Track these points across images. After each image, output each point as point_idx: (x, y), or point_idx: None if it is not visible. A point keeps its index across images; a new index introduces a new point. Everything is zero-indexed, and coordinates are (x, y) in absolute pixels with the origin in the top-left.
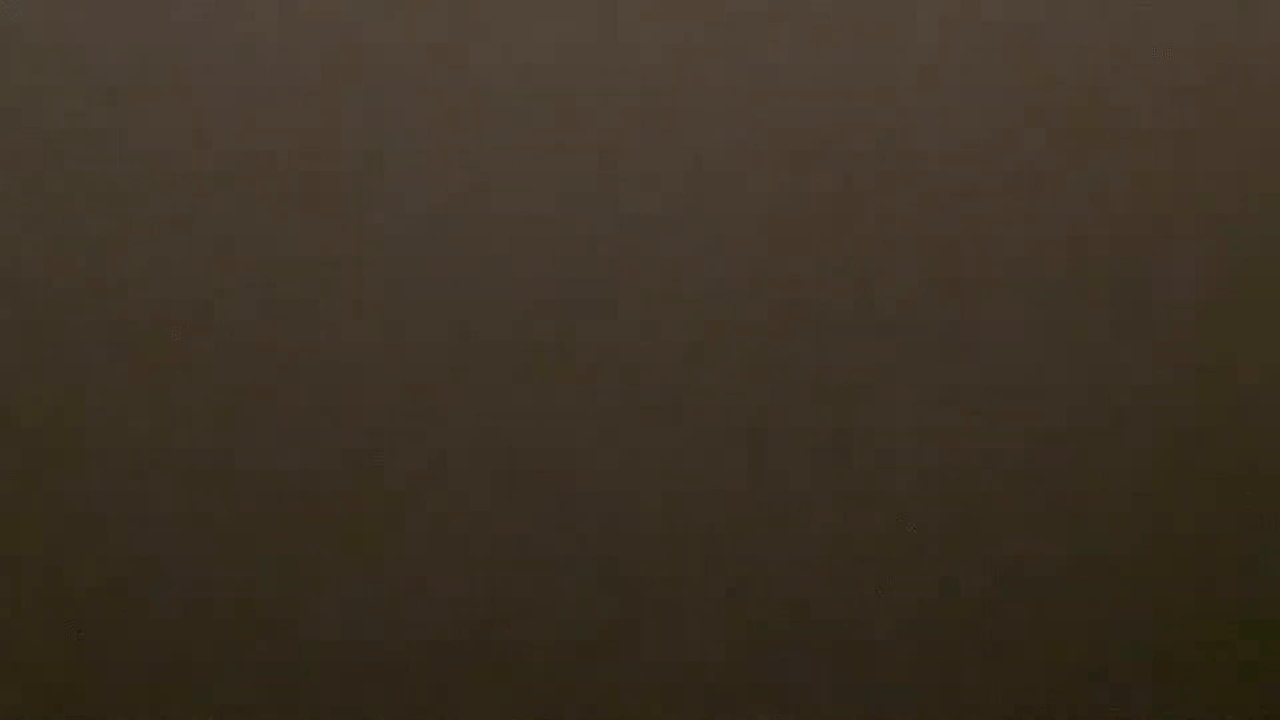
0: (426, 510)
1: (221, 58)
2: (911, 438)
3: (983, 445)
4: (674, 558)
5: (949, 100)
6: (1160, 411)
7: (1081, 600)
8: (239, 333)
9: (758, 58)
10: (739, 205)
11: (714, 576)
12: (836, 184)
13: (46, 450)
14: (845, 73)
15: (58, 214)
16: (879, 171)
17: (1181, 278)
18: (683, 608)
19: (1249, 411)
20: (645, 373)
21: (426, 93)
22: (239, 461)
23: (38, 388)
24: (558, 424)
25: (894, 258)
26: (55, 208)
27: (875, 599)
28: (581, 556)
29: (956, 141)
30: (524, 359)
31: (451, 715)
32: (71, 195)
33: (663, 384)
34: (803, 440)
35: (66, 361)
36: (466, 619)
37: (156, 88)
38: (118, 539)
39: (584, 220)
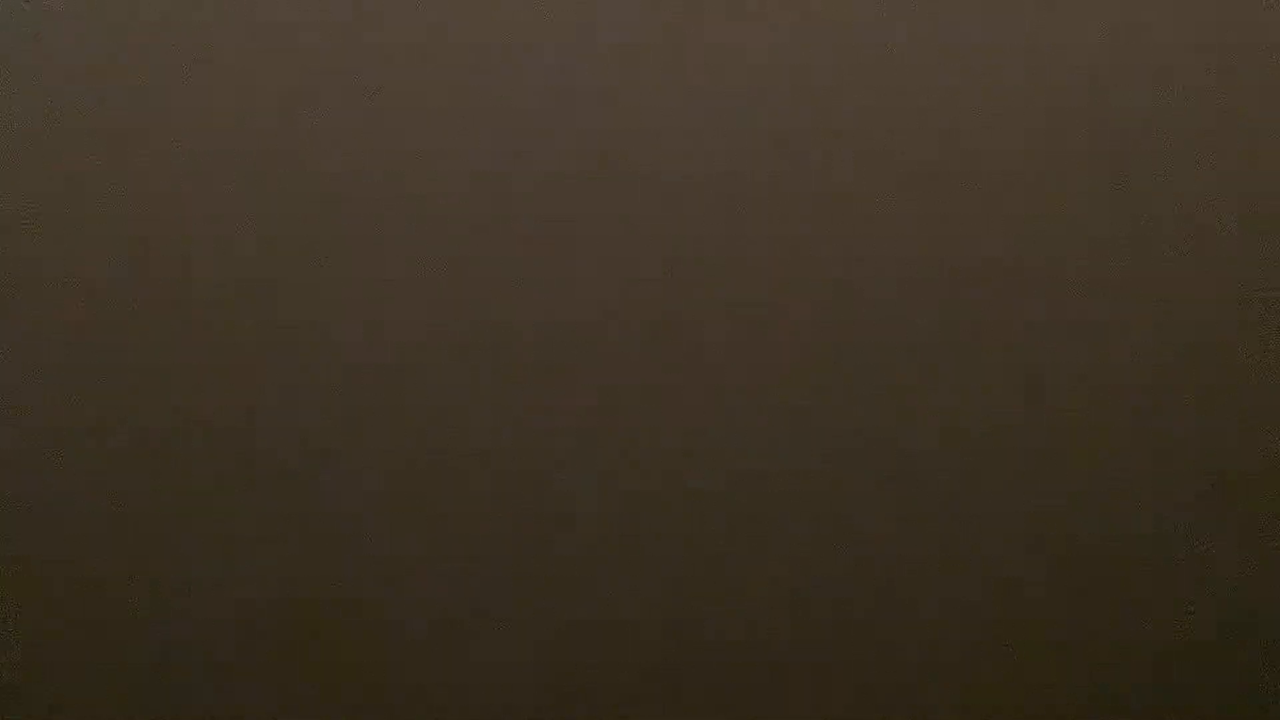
0: (428, 513)
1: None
2: (917, 434)
3: (987, 443)
4: (675, 556)
5: (951, 97)
6: (1163, 411)
7: (1082, 600)
8: (243, 331)
9: (752, 53)
10: (744, 198)
11: (717, 574)
12: (846, 179)
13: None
14: (853, 69)
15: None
16: (880, 167)
17: (1183, 276)
18: (688, 605)
19: (1249, 411)
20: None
21: (425, 89)
22: (245, 460)
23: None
24: (555, 425)
25: (896, 256)
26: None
27: (881, 596)
28: (579, 554)
29: (958, 136)
30: (522, 358)
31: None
32: (76, 190)
33: (665, 381)
34: (806, 438)
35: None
36: (469, 620)
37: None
38: (120, 539)
39: (580, 216)
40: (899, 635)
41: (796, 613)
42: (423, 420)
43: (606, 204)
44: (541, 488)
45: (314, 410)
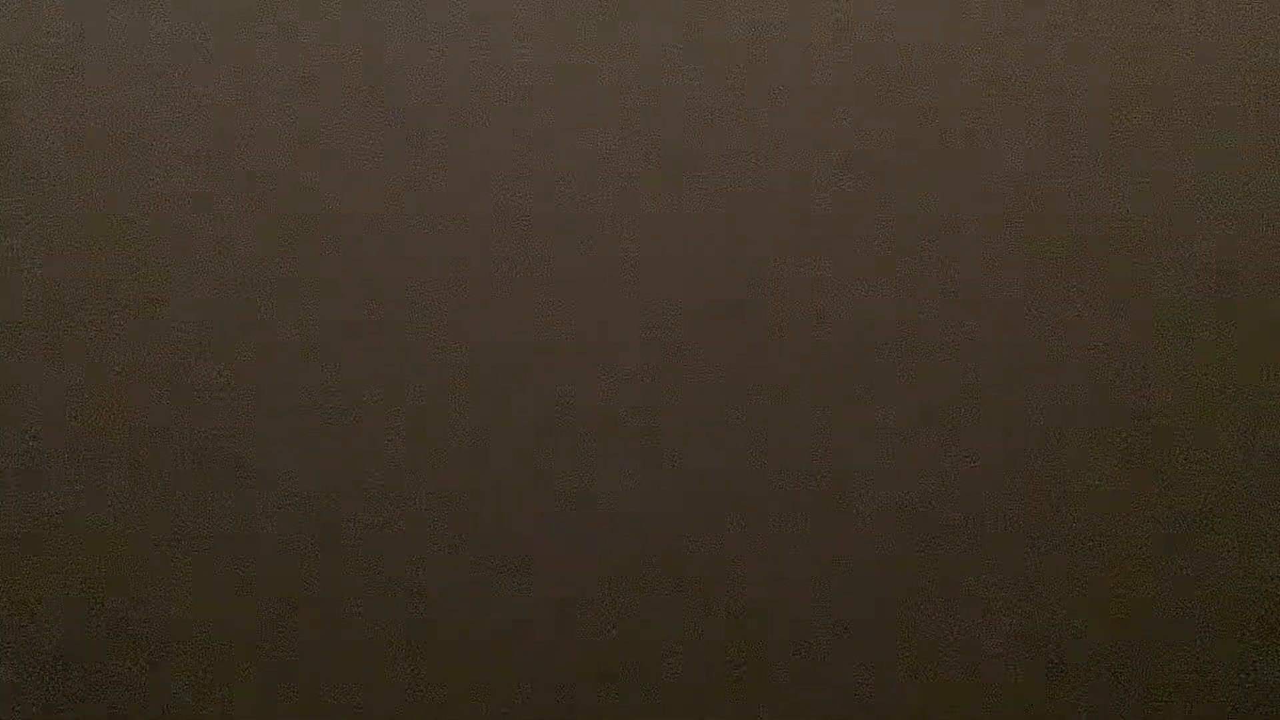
0: (426, 510)
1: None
2: (895, 439)
3: (963, 447)
4: (652, 562)
5: (938, 103)
6: (1155, 412)
7: (1073, 599)
8: (241, 333)
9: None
10: (715, 205)
11: (692, 580)
12: (830, 186)
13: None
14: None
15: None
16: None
17: (1178, 277)
18: (665, 611)
19: (1246, 411)
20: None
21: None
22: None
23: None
24: (537, 427)
25: (889, 259)
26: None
27: (853, 603)
28: (560, 559)
29: (943, 144)
30: (513, 358)
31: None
32: (69, 192)
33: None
34: (784, 440)
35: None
36: (467, 618)
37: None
38: (120, 537)
39: (570, 220)
40: (906, 636)
41: (803, 612)
42: (423, 419)
43: (607, 204)
44: (537, 493)
45: (315, 408)
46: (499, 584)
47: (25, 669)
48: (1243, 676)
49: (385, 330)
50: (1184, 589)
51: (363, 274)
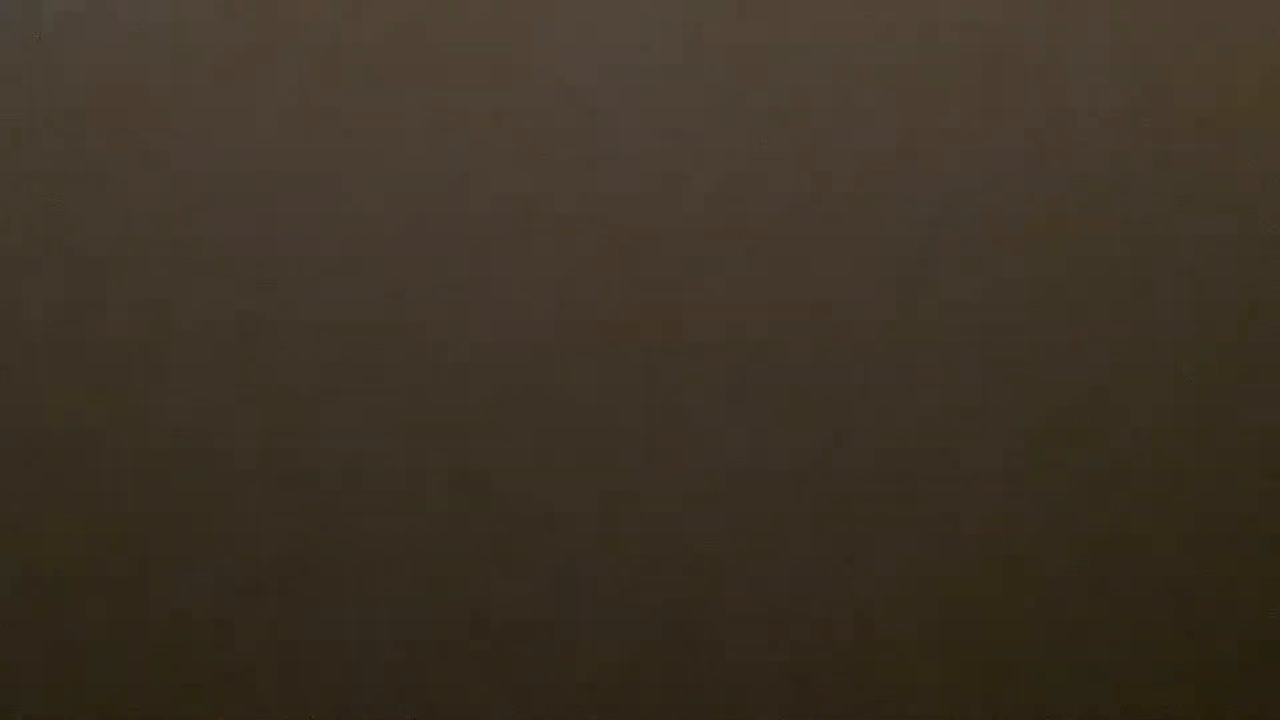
0: (425, 514)
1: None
2: (906, 438)
3: (977, 445)
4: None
5: (937, 102)
6: (1155, 412)
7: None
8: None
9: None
10: (744, 207)
11: (700, 584)
12: (841, 186)
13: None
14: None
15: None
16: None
17: (1174, 274)
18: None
19: (1241, 413)
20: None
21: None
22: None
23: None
24: (540, 437)
25: (893, 257)
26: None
27: (866, 603)
28: (569, 570)
29: (945, 141)
30: (517, 361)
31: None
32: (63, 187)
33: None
34: (798, 442)
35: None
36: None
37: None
38: (117, 535)
39: (579, 223)
40: (908, 635)
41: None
42: (421, 420)
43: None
44: (530, 497)
45: (313, 405)
46: (502, 586)
47: (22, 666)
48: (1244, 676)
49: (390, 327)
50: (1197, 590)
51: (363, 266)
